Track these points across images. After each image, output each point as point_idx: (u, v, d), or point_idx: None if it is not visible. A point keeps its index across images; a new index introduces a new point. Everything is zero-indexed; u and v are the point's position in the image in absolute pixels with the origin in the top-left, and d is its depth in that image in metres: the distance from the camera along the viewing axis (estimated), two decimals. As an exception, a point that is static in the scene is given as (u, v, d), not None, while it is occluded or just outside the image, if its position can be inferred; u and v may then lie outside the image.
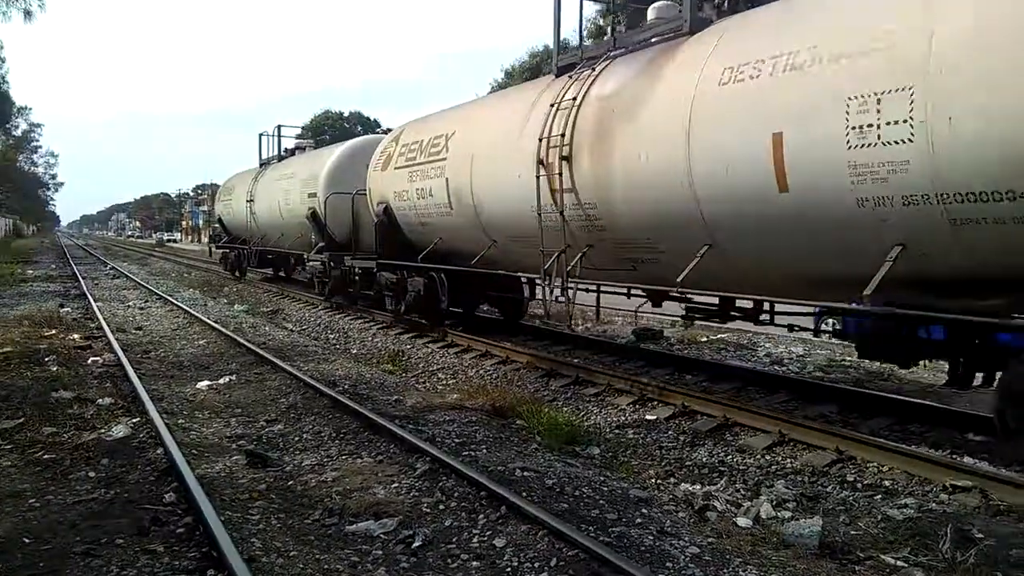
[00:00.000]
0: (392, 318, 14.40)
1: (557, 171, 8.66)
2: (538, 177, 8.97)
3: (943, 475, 5.72)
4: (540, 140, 8.98)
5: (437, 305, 12.87)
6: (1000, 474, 5.64)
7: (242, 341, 11.93)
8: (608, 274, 8.97)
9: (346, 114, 72.88)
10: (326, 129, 70.06)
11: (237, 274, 27.38)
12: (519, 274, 11.76)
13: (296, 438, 6.83)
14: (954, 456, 6.23)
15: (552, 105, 9.04)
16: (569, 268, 8.86)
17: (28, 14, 27.17)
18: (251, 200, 23.98)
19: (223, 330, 13.20)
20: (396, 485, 5.49)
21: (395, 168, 13.33)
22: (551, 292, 9.24)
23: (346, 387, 8.86)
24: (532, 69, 41.26)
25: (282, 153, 24.55)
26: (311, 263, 18.87)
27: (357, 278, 15.80)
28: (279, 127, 25.77)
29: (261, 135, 26.40)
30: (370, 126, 73.24)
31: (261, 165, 25.37)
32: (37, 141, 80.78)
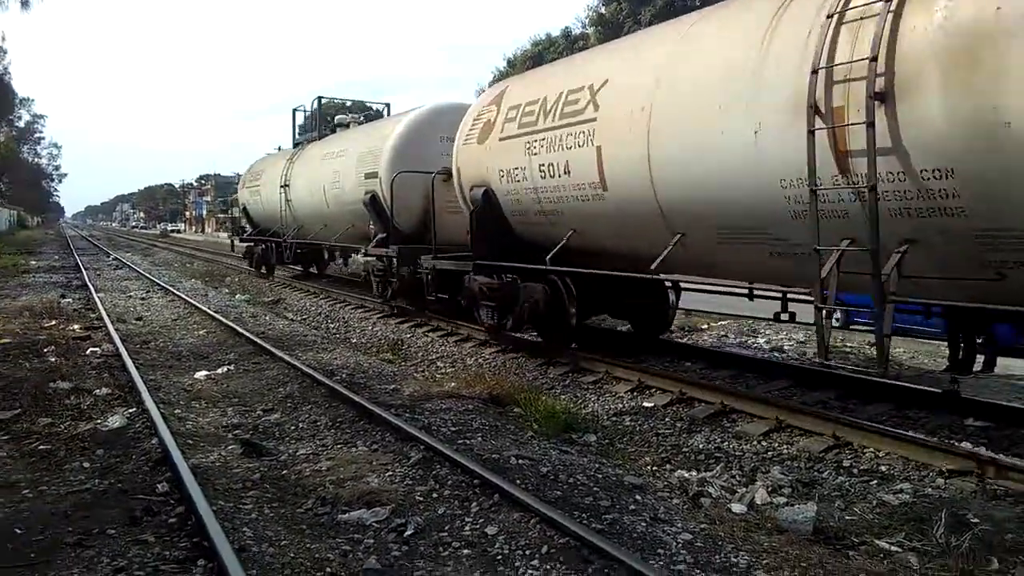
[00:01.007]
0: (487, 335, 11.36)
1: (862, 119, 5.40)
2: (811, 132, 5.69)
3: (940, 460, 5.70)
4: (815, 72, 5.69)
5: (564, 319, 9.67)
6: (998, 459, 5.60)
7: (242, 331, 11.92)
8: (955, 286, 5.63)
9: (348, 103, 72.68)
10: (327, 118, 69.90)
11: (264, 271, 24.06)
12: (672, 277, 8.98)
13: (292, 427, 6.82)
14: (952, 441, 6.21)
15: (831, 16, 5.75)
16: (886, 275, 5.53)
17: (25, 3, 27.06)
18: (286, 185, 20.02)
19: (223, 320, 13.20)
20: (390, 474, 5.48)
21: (500, 139, 10.11)
22: (826, 315, 6.07)
23: (344, 376, 8.86)
24: (535, 58, 41.01)
25: (323, 131, 20.71)
26: (366, 259, 15.91)
27: (430, 279, 12.19)
28: (319, 98, 21.41)
29: (296, 110, 22.23)
30: (373, 115, 73.11)
31: (296, 145, 21.69)
32: (40, 132, 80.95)
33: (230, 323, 12.83)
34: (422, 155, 13.66)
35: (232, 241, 29.12)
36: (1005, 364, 9.57)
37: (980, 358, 9.26)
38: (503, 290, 10.37)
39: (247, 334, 11.61)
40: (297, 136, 22.18)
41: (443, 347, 11.56)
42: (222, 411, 7.43)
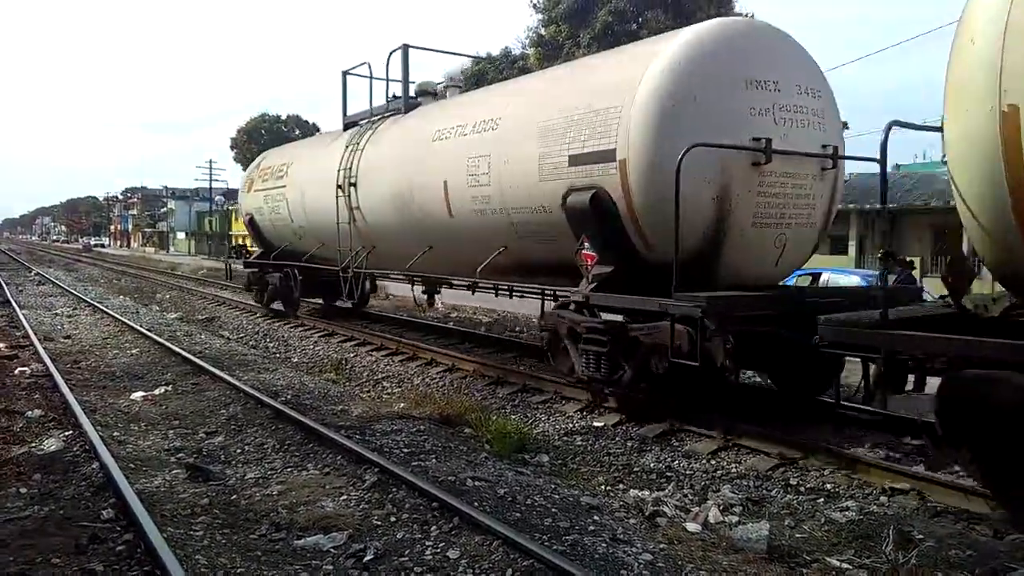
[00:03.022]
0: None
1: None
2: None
3: (882, 478, 5.91)
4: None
5: None
6: (936, 477, 5.84)
7: (177, 350, 11.57)
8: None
9: (284, 117, 71.50)
10: (262, 133, 68.71)
11: (282, 308, 17.05)
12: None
13: (238, 450, 6.64)
14: (891, 459, 6.44)
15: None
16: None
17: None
18: (351, 184, 12.77)
19: (156, 338, 12.78)
20: (345, 497, 5.38)
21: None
22: None
23: (288, 397, 8.67)
24: (477, 75, 41.18)
25: (411, 100, 13.07)
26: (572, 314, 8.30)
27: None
28: (405, 48, 13.29)
29: (347, 73, 14.83)
30: (310, 130, 72.19)
31: (351, 127, 14.42)
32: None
33: (164, 342, 12.43)
34: (715, 114, 7.23)
35: (228, 266, 22.10)
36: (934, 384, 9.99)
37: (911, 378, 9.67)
38: None
39: (183, 353, 11.26)
40: (349, 114, 14.83)
41: (389, 367, 11.43)
42: (163, 434, 7.18)
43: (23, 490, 5.36)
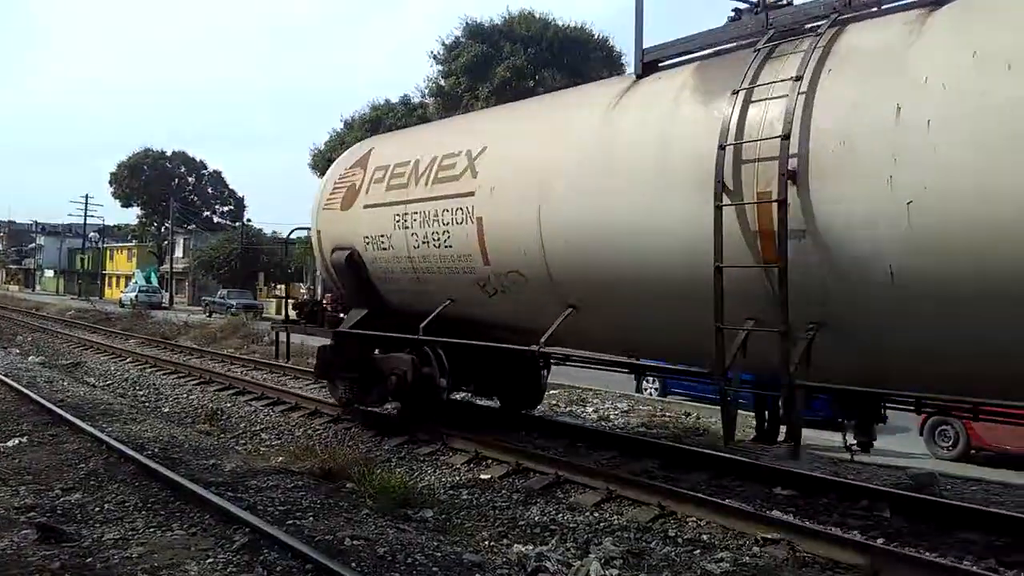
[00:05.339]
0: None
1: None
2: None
3: (755, 528, 6.09)
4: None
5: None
6: (804, 526, 6.07)
7: (36, 397, 10.77)
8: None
9: (169, 153, 68.91)
10: (145, 169, 65.91)
11: (395, 410, 10.41)
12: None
13: (96, 508, 6.17)
14: (763, 509, 6.66)
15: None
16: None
17: None
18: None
19: (14, 384, 11.86)
20: (211, 560, 5.06)
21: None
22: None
23: (156, 450, 8.18)
24: (373, 122, 41.22)
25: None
26: None
27: None
28: None
29: None
30: (195, 167, 69.78)
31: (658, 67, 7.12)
32: None
33: (22, 388, 11.55)
34: None
35: (277, 336, 11.75)
36: (805, 435, 10.50)
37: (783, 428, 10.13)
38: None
39: (42, 401, 10.50)
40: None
41: (268, 417, 10.99)
42: (13, 490, 6.60)
43: None
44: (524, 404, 10.58)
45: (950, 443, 10.28)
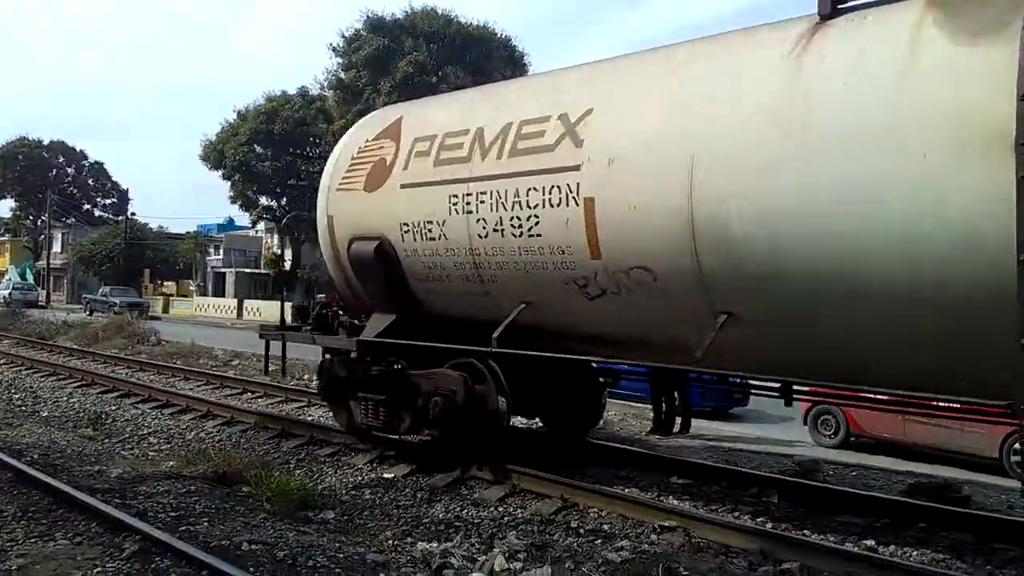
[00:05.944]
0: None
1: None
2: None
3: (653, 517, 6.28)
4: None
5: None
6: (698, 513, 6.32)
7: None
8: None
9: (46, 142, 64.73)
10: (20, 159, 61.73)
11: (432, 440, 8.43)
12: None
13: (-32, 522, 5.74)
14: (660, 498, 6.89)
15: None
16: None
17: None
18: None
19: None
20: (99, 570, 4.80)
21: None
22: None
23: (35, 456, 7.70)
24: (268, 113, 39.98)
25: None
26: None
27: None
28: None
29: None
30: (75, 158, 65.91)
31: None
32: None
33: None
34: None
35: (267, 345, 10.43)
36: (697, 425, 10.93)
37: (678, 420, 10.51)
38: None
39: (-98, 409, 9.66)
40: None
41: (156, 420, 10.50)
42: None
43: None
44: (583, 426, 9.02)
45: (832, 431, 10.89)
